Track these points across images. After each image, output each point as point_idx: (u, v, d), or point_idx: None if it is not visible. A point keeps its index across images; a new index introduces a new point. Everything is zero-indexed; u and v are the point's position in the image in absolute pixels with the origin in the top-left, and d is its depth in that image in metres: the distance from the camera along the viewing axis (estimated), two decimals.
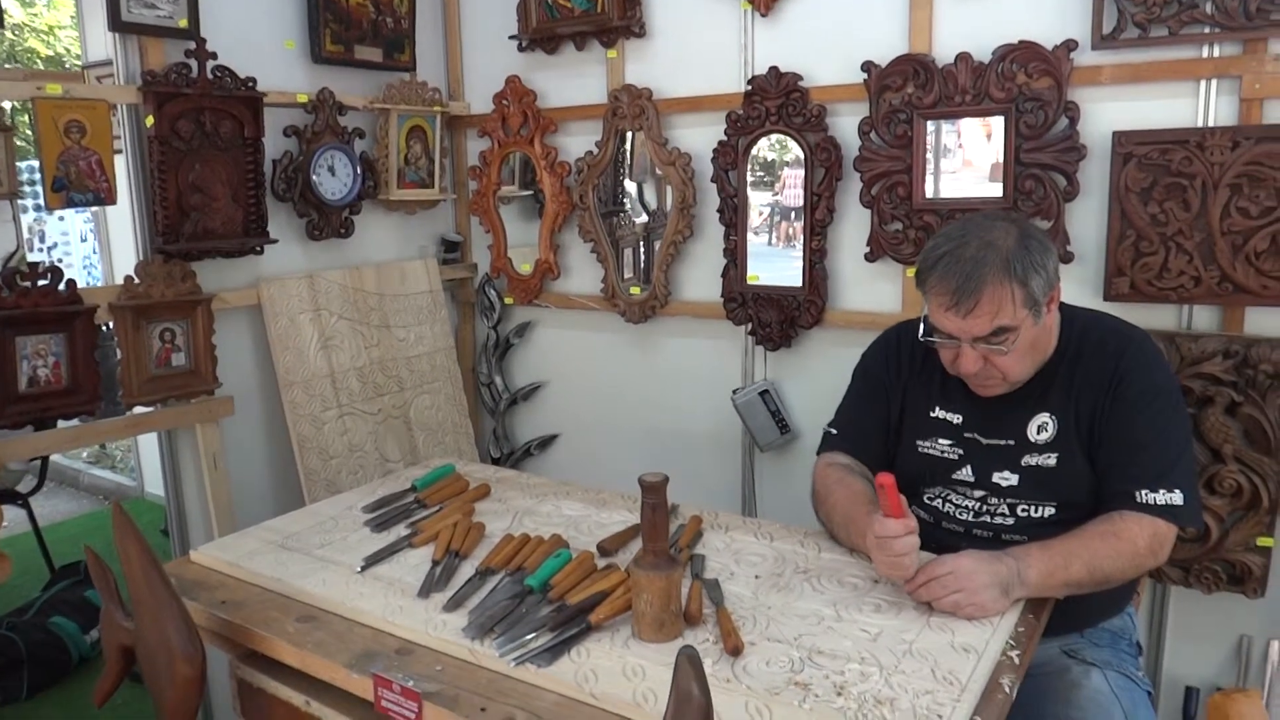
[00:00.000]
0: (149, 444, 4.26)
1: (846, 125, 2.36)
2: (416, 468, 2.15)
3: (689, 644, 1.02)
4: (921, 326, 1.59)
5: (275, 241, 2.50)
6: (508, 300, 3.06)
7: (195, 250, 2.33)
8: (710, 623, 1.36)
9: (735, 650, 1.26)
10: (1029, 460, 1.58)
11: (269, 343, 2.53)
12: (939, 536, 1.63)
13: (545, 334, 3.09)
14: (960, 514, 1.63)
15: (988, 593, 1.35)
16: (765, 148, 2.47)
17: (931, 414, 1.69)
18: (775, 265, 2.52)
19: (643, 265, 2.86)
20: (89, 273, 4.78)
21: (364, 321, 2.75)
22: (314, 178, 2.57)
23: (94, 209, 4.07)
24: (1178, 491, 1.48)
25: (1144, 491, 1.48)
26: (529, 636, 1.31)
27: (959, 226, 1.55)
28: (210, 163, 2.34)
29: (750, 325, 2.58)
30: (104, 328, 2.26)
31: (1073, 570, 1.43)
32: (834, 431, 1.80)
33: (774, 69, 2.41)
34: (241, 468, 2.54)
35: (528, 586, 1.45)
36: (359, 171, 2.68)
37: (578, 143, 2.83)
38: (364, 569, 1.57)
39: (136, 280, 2.24)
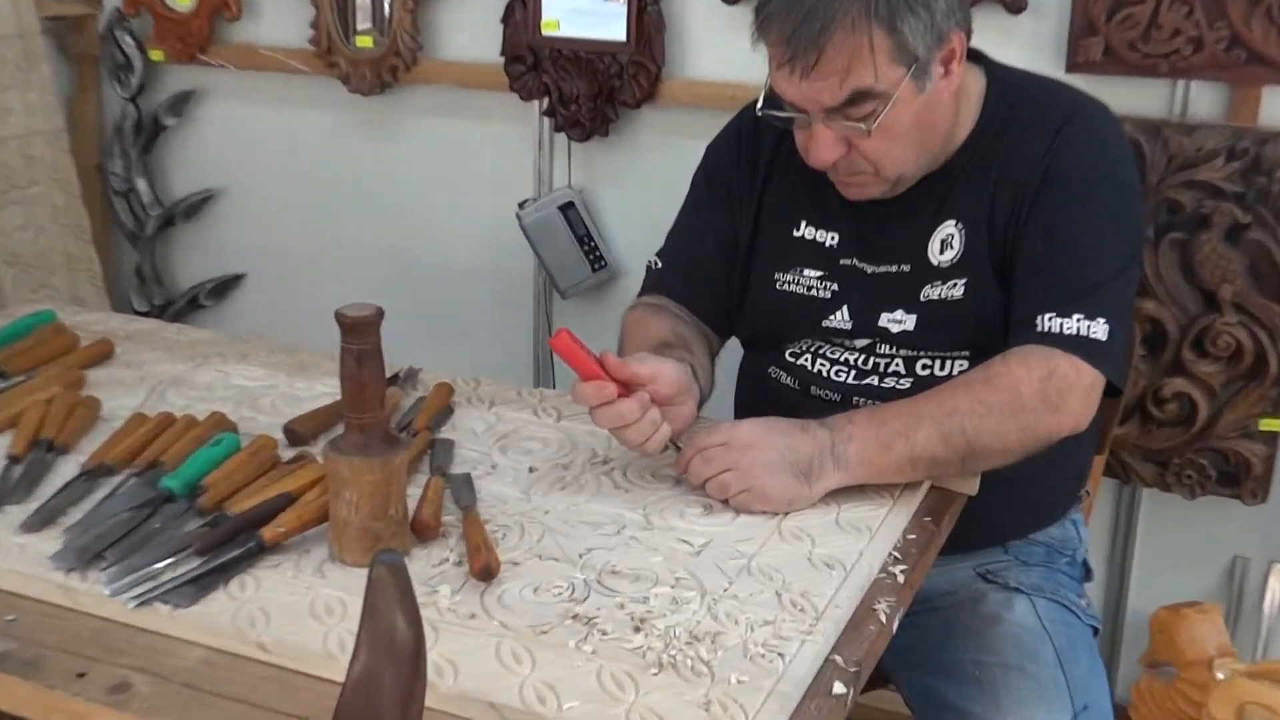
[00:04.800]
0: None
1: None
2: None
3: (390, 551, 1.01)
4: (761, 95, 1.62)
5: None
6: (154, 55, 2.93)
7: None
8: (454, 536, 1.38)
9: (486, 573, 1.28)
10: (930, 293, 1.64)
11: None
12: (806, 407, 1.67)
13: (220, 111, 3.01)
14: (837, 374, 1.69)
15: (771, 475, 1.40)
16: None
17: (795, 233, 1.74)
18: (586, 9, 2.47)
19: (387, 9, 2.76)
20: None
21: None
22: None
23: None
24: (1101, 321, 1.49)
25: (1049, 315, 1.50)
26: (161, 565, 1.29)
27: None
28: None
29: (547, 101, 2.56)
30: None
31: (919, 440, 1.44)
32: (658, 263, 1.86)
33: None
34: None
35: (165, 491, 1.43)
36: None
37: None
38: None
39: None
